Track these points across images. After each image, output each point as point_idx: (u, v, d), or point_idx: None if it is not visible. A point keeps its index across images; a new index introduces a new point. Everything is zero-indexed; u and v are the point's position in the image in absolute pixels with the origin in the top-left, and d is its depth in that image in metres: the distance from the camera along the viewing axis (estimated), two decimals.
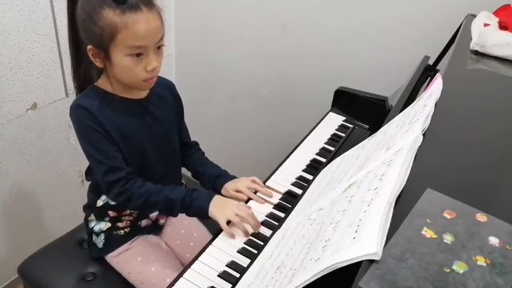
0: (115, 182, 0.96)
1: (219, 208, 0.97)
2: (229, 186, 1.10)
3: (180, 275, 0.86)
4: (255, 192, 1.08)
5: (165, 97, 1.07)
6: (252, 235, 0.95)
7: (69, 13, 0.93)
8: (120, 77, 0.93)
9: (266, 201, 1.06)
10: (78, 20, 0.90)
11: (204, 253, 0.91)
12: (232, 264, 0.89)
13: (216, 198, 0.99)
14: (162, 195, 0.98)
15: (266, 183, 1.11)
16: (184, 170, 1.20)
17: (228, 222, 0.96)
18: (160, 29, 0.90)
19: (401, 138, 0.74)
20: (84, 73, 0.99)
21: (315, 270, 0.55)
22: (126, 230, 1.10)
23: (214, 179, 1.12)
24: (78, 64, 0.99)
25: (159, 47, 0.92)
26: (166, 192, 0.99)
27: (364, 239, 0.51)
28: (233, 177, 1.13)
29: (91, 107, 0.93)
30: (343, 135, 1.34)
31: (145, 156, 1.03)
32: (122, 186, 0.96)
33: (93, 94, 0.97)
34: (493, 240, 0.51)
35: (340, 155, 1.05)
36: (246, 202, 1.05)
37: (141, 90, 1.01)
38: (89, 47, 0.90)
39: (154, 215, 1.14)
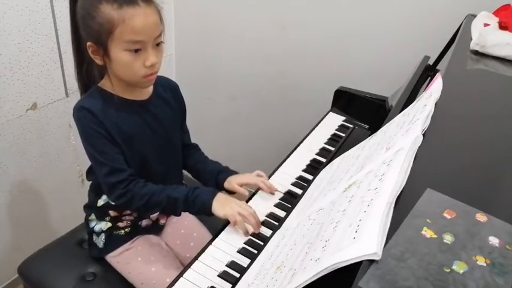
0: (117, 184, 0.96)
1: (222, 205, 0.97)
2: (233, 180, 1.09)
3: (180, 275, 0.86)
4: (258, 189, 1.09)
5: (167, 98, 1.07)
6: (252, 235, 0.95)
7: (71, 13, 0.94)
8: (120, 74, 0.93)
9: (271, 192, 1.08)
10: (78, 18, 0.91)
11: (204, 253, 0.91)
12: (232, 264, 0.89)
13: (219, 195, 0.99)
14: (164, 194, 0.98)
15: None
16: (185, 172, 1.20)
17: (229, 221, 0.96)
18: (159, 24, 0.90)
19: (401, 138, 0.74)
20: (86, 72, 0.99)
21: (315, 270, 0.55)
22: (126, 230, 1.10)
23: (217, 174, 1.12)
24: (80, 63, 0.99)
25: (158, 44, 0.92)
26: (168, 192, 0.99)
27: (364, 239, 0.51)
28: (235, 173, 1.13)
29: (94, 109, 0.93)
30: (343, 135, 1.34)
31: (146, 157, 1.03)
32: (124, 187, 0.96)
33: (96, 95, 0.97)
34: (493, 240, 0.51)
35: (340, 155, 1.05)
36: (247, 201, 1.05)
37: (142, 88, 1.01)
38: (89, 43, 0.90)
39: (155, 215, 1.14)
